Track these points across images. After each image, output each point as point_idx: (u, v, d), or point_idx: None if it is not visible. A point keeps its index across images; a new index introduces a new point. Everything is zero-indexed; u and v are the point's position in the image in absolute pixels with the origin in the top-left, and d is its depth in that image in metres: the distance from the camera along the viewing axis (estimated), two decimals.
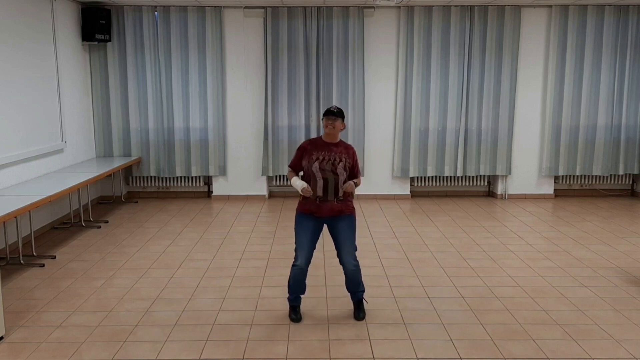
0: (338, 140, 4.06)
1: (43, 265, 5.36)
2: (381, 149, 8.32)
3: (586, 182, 8.63)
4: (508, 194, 8.46)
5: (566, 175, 8.54)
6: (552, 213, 7.53)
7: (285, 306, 4.35)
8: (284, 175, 8.49)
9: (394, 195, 8.44)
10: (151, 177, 8.42)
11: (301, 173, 4.15)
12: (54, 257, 5.62)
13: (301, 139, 8.12)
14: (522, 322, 4.08)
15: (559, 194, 8.64)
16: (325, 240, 6.18)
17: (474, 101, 8.11)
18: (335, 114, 3.96)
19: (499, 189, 8.46)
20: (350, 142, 8.10)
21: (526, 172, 8.43)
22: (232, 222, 7.05)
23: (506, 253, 5.74)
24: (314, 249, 4.06)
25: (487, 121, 8.17)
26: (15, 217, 5.07)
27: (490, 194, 8.71)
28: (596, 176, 8.57)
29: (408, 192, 8.48)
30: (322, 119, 4.02)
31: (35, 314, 4.25)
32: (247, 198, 8.43)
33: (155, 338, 3.85)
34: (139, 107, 8.05)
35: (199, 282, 4.90)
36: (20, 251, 5.50)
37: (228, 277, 5.04)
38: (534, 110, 8.27)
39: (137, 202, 8.25)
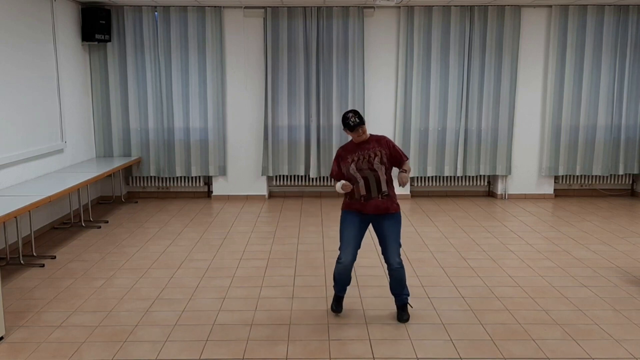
0: (368, 137, 4.04)
1: (43, 265, 5.36)
2: None
3: (586, 182, 8.63)
4: (508, 194, 8.46)
5: (566, 175, 8.54)
6: (552, 213, 7.53)
7: (286, 306, 4.36)
8: (284, 176, 8.50)
9: None
10: (151, 177, 8.42)
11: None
12: (54, 257, 5.62)
13: (301, 139, 8.13)
14: (522, 322, 4.08)
15: (559, 194, 8.64)
16: (325, 240, 6.19)
17: (474, 101, 8.11)
18: (358, 124, 3.89)
19: (499, 189, 8.46)
20: None
21: (526, 172, 8.43)
22: (232, 222, 7.05)
23: (506, 253, 5.74)
24: (359, 247, 4.06)
25: (487, 121, 8.17)
26: (15, 217, 5.07)
27: (490, 194, 8.71)
28: (596, 176, 8.57)
29: (408, 192, 8.48)
30: (346, 131, 3.96)
31: (35, 314, 4.25)
32: (247, 198, 8.43)
33: (155, 338, 3.85)
34: (139, 107, 8.05)
35: (199, 282, 4.90)
36: (20, 251, 5.50)
37: (228, 277, 5.04)
38: (534, 110, 8.27)
39: (137, 202, 8.25)
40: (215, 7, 7.87)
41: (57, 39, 6.87)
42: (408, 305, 4.20)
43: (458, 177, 8.51)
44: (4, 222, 5.25)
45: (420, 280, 4.95)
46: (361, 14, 7.90)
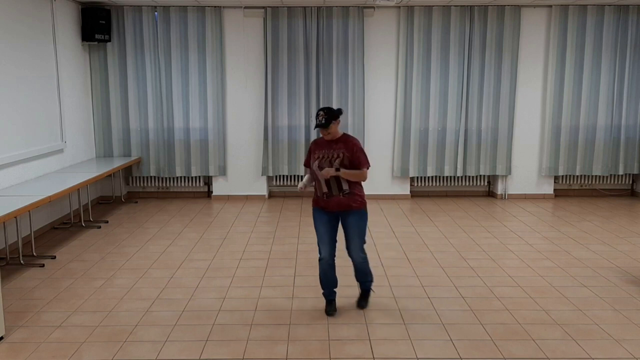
0: (339, 136, 4.09)
1: (43, 265, 5.36)
2: (381, 149, 8.32)
3: (586, 182, 8.63)
4: (508, 194, 8.46)
5: (566, 175, 8.54)
6: (552, 213, 7.53)
7: (285, 306, 4.36)
8: (284, 175, 8.50)
9: (394, 195, 8.44)
10: (151, 177, 8.43)
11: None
12: (54, 257, 5.62)
13: (301, 138, 8.13)
14: (522, 322, 4.08)
15: (559, 194, 8.64)
16: None
17: (474, 101, 8.11)
18: (324, 125, 3.97)
19: (499, 189, 8.46)
20: None
21: (526, 172, 8.43)
22: (232, 222, 7.05)
23: (506, 253, 5.75)
24: (336, 240, 4.14)
25: (487, 121, 8.17)
26: (15, 217, 5.07)
27: (490, 194, 8.71)
28: (596, 176, 8.58)
29: (408, 192, 8.48)
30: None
31: (35, 314, 4.25)
32: (247, 198, 8.43)
33: (155, 338, 3.85)
34: (139, 107, 8.06)
35: (199, 282, 4.90)
36: (20, 251, 5.50)
37: (228, 277, 5.04)
38: (534, 110, 8.27)
39: (137, 202, 8.25)
40: (215, 7, 7.87)
41: (57, 39, 6.86)
42: (371, 290, 4.33)
43: (458, 177, 8.51)
44: (4, 222, 5.26)
45: (420, 280, 4.95)
46: (361, 14, 7.90)
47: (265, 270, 5.22)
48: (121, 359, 3.56)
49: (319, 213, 4.14)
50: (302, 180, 4.17)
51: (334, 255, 4.13)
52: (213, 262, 5.46)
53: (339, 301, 4.42)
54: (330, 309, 4.21)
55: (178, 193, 8.59)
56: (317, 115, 4.00)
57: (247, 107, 8.22)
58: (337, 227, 4.16)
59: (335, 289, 4.25)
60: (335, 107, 8.00)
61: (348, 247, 4.13)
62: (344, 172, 3.98)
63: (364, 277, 4.25)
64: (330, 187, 4.06)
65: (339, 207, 4.07)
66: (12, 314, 4.24)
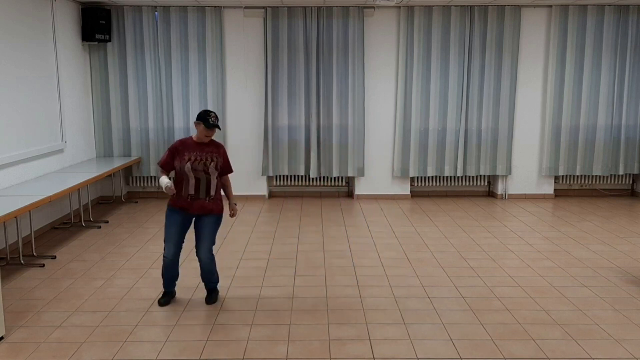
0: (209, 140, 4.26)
1: (43, 265, 5.36)
2: (381, 149, 8.32)
3: (586, 182, 8.63)
4: (508, 194, 8.46)
5: (566, 175, 8.54)
6: (552, 213, 7.53)
7: (285, 306, 4.36)
8: (284, 175, 8.50)
9: (394, 195, 8.44)
10: (151, 177, 8.42)
11: (173, 172, 4.56)
12: (54, 257, 5.62)
13: (301, 139, 8.13)
14: (522, 322, 4.08)
15: (559, 194, 8.64)
16: (326, 240, 6.19)
17: (474, 101, 8.11)
18: (216, 126, 4.11)
19: (499, 189, 8.46)
20: (350, 142, 8.12)
21: (526, 172, 8.43)
22: (232, 222, 7.04)
23: (506, 253, 5.75)
24: (183, 242, 4.33)
25: (487, 121, 8.17)
26: (15, 217, 5.07)
27: (490, 194, 8.71)
28: (596, 176, 8.58)
29: (408, 192, 8.48)
30: (199, 125, 4.12)
31: (35, 314, 4.25)
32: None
33: (155, 338, 3.85)
34: (139, 107, 8.06)
35: (199, 282, 4.90)
36: (20, 251, 5.50)
37: (228, 277, 5.04)
38: (534, 110, 8.27)
39: (137, 202, 8.25)
40: (215, 7, 7.87)
41: (57, 39, 6.86)
42: (217, 288, 4.53)
43: (458, 177, 8.51)
44: (4, 222, 5.26)
45: (420, 280, 4.95)
46: (361, 14, 7.90)
47: (265, 270, 5.22)
48: (121, 359, 3.56)
49: (176, 213, 4.23)
50: (194, 179, 4.16)
51: (179, 254, 4.31)
52: None
53: (341, 300, 4.42)
54: (165, 300, 4.40)
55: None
56: (209, 116, 4.10)
57: (247, 107, 8.22)
58: (189, 228, 4.32)
59: (176, 282, 4.45)
60: (335, 107, 8.05)
61: (197, 247, 4.29)
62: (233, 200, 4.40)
63: (209, 276, 4.39)
64: (199, 190, 4.19)
65: (201, 210, 4.22)
66: (12, 314, 4.24)
